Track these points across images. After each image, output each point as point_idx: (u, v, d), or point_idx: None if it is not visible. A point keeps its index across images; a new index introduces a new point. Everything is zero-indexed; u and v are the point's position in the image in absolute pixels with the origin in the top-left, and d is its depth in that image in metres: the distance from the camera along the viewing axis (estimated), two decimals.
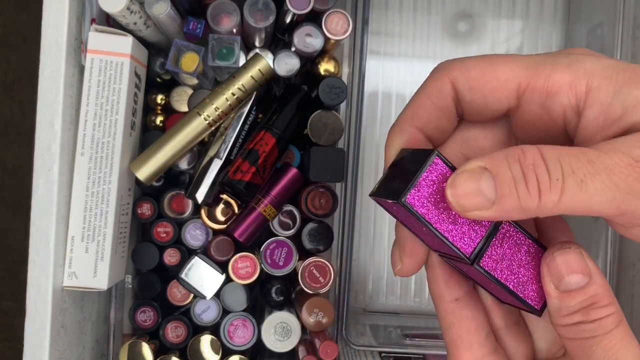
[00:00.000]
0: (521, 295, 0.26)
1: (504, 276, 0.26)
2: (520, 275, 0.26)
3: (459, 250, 0.25)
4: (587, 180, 0.23)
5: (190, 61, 0.44)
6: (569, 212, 0.24)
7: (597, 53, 0.27)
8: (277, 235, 0.48)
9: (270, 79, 0.46)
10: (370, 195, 0.27)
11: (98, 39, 0.41)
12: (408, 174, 0.25)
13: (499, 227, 0.26)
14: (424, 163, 0.25)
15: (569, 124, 0.27)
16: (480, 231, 0.26)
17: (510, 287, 0.26)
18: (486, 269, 0.26)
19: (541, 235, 0.29)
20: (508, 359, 0.29)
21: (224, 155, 0.46)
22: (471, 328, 0.28)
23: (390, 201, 0.26)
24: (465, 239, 0.25)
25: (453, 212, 0.25)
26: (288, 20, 0.46)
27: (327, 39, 0.45)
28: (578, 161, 0.23)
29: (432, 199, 0.25)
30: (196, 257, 0.47)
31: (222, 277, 0.47)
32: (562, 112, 0.26)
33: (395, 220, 0.29)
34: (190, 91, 0.49)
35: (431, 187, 0.25)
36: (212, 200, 0.46)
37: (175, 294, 0.49)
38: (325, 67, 0.48)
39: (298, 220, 0.48)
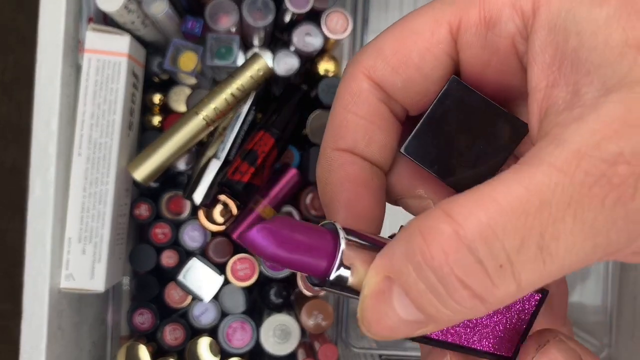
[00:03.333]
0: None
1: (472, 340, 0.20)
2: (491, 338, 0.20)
3: None
4: (549, 242, 0.15)
5: (188, 60, 0.43)
6: (542, 285, 0.16)
7: None
8: None
9: (270, 79, 0.46)
10: None
11: (95, 38, 0.41)
12: None
13: None
14: None
15: (523, 58, 0.19)
16: None
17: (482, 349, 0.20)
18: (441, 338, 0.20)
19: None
20: None
21: (222, 155, 0.46)
22: None
23: None
24: None
25: None
26: (287, 19, 0.45)
27: (326, 38, 0.45)
28: (524, 220, 0.15)
29: None
30: (194, 259, 0.46)
31: (221, 279, 0.47)
32: (511, 45, 0.19)
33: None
34: (188, 91, 0.48)
35: None
36: (210, 201, 0.46)
37: (173, 296, 0.49)
38: (325, 66, 0.48)
39: None
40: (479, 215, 0.15)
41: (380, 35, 0.20)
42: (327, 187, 0.21)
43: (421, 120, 0.20)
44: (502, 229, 0.15)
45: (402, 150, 0.20)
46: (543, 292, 0.20)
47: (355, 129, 0.20)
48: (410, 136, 0.20)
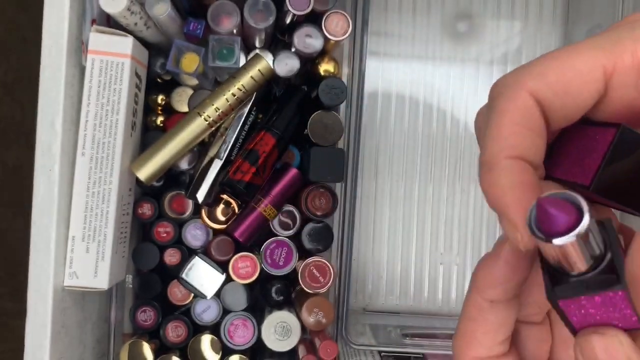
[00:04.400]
0: None
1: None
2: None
3: None
4: None
5: (190, 62, 0.44)
6: None
7: None
8: (277, 235, 0.48)
9: (270, 80, 0.46)
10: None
11: (99, 40, 0.41)
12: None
13: None
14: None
15: None
16: None
17: None
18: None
19: None
20: None
21: (224, 155, 0.46)
22: (489, 330, 0.25)
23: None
24: None
25: None
26: (288, 20, 0.46)
27: (327, 40, 0.45)
28: None
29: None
30: (196, 257, 0.47)
31: (223, 277, 0.47)
32: None
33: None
34: (190, 91, 0.49)
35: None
36: (212, 200, 0.46)
37: (175, 293, 0.49)
38: (325, 67, 0.48)
39: (298, 220, 0.48)
40: None
41: (541, 61, 0.24)
42: (506, 191, 0.24)
43: (601, 166, 0.24)
44: None
45: (591, 189, 0.23)
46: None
47: (523, 139, 0.24)
48: (595, 179, 0.24)
